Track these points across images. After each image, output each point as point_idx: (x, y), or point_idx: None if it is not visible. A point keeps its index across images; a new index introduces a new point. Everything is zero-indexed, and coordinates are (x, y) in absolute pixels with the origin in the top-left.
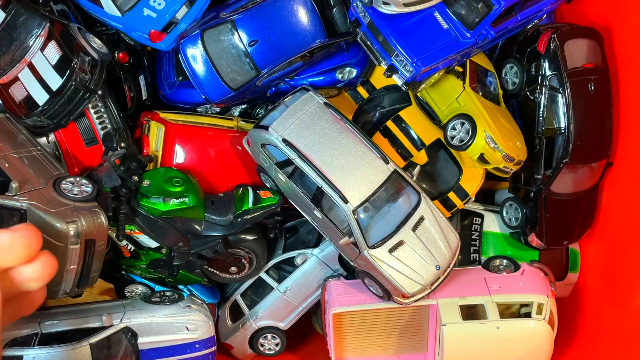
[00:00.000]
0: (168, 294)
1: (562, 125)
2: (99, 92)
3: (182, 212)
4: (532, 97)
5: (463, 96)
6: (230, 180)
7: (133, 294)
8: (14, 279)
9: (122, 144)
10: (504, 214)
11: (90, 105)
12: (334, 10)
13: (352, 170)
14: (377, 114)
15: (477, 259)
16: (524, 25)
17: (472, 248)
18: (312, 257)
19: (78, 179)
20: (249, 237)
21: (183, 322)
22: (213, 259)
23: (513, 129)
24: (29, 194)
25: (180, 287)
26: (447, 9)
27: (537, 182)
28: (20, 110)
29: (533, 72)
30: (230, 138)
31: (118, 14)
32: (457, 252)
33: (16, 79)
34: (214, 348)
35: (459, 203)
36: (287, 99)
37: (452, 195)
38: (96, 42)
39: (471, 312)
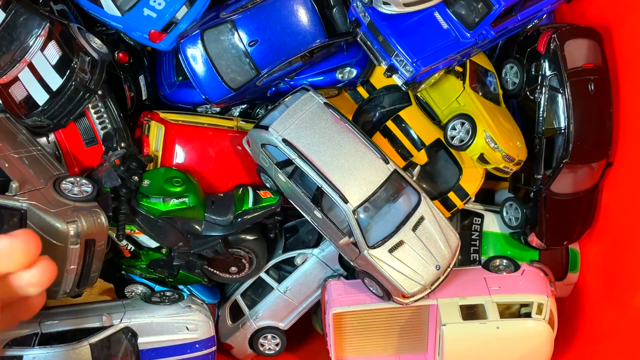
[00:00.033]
0: (168, 294)
1: (562, 125)
2: (99, 92)
3: (182, 212)
4: (532, 97)
5: (463, 96)
6: (230, 180)
7: (133, 294)
8: (13, 284)
9: (122, 144)
10: (504, 214)
11: (90, 105)
12: (334, 10)
13: (352, 170)
14: (377, 114)
15: (477, 259)
16: (524, 25)
17: (472, 248)
18: (312, 257)
19: (78, 179)
20: (249, 237)
21: (183, 322)
22: (213, 259)
23: (513, 129)
24: (29, 194)
25: (180, 287)
26: (447, 9)
27: (537, 182)
28: (20, 110)
29: (533, 72)
30: (230, 138)
31: (118, 14)
32: (457, 252)
33: (16, 79)
34: (214, 348)
35: (459, 203)
36: (287, 99)
37: (452, 195)
38: (96, 42)
39: (471, 312)
